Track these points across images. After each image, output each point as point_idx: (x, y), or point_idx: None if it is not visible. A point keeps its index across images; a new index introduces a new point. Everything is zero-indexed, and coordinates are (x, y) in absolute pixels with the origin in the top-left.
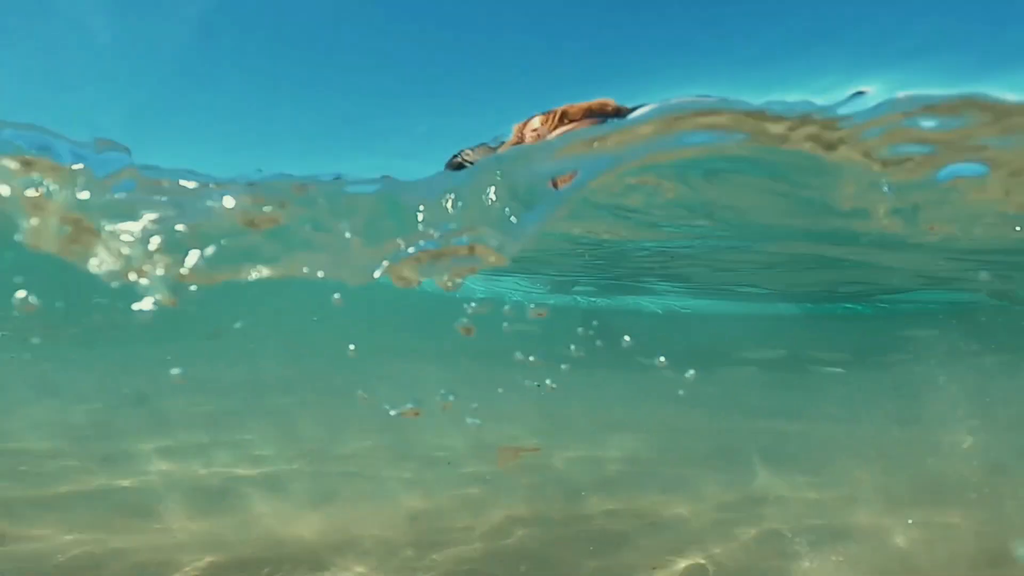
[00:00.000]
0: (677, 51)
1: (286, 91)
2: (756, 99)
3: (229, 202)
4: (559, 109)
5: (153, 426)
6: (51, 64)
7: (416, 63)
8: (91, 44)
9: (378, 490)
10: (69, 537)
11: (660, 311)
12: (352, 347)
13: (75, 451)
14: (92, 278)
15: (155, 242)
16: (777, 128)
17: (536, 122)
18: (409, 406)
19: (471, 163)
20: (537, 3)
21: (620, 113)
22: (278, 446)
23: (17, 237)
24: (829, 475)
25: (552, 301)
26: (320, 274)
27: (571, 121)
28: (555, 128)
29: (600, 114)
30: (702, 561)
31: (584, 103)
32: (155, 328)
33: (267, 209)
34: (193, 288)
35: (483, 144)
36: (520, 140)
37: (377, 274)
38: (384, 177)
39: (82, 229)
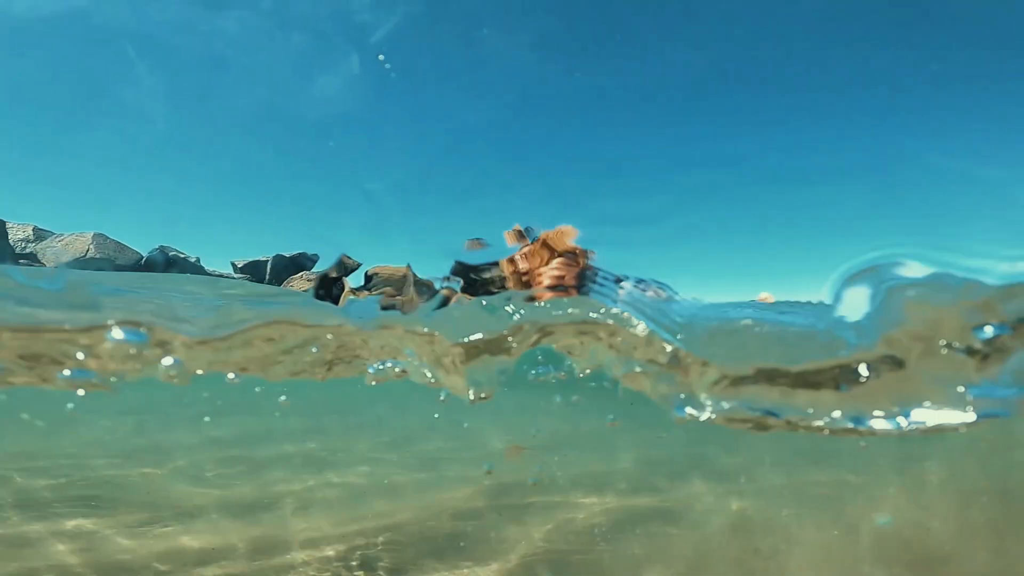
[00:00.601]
0: None
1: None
2: None
3: None
4: (540, 237)
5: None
6: (117, 147)
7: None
8: (151, 131)
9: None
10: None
11: None
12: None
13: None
14: None
15: None
16: None
17: (513, 237)
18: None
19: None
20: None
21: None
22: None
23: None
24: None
25: None
26: None
27: (550, 256)
28: (542, 259)
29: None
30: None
31: (562, 238)
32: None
33: None
34: None
35: (477, 239)
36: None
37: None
38: None
39: None
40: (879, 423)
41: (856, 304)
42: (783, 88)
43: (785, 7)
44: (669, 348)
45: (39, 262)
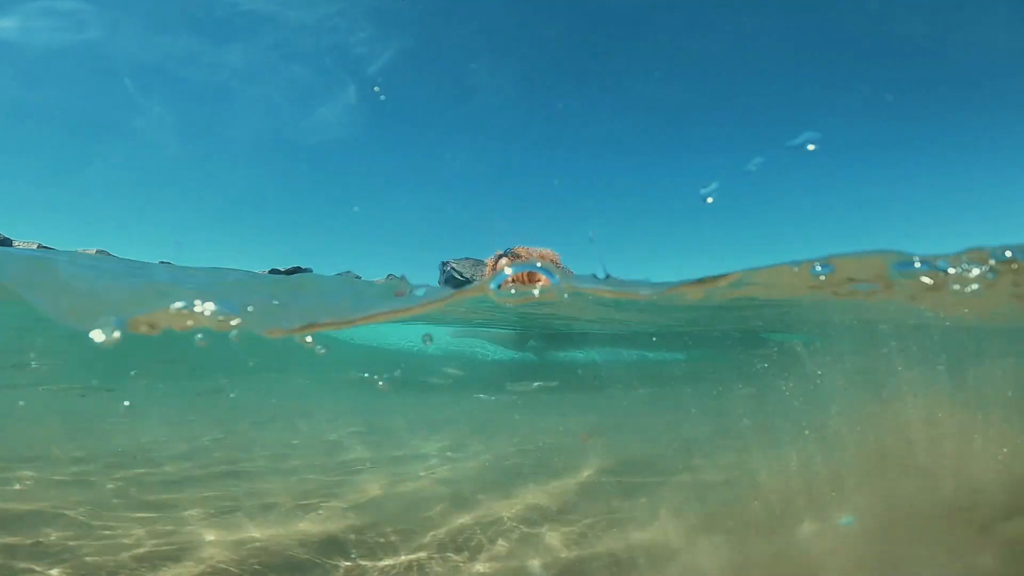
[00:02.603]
0: None
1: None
2: None
3: None
4: (525, 262)
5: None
6: (128, 173)
7: None
8: (161, 156)
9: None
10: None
11: None
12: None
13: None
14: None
15: None
16: None
17: (504, 262)
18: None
19: (460, 272)
20: None
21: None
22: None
23: None
24: None
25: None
26: None
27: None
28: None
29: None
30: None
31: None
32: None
33: None
34: None
35: (468, 258)
36: (493, 267)
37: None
38: None
39: None
40: None
41: None
42: (757, 118)
43: (751, 40)
44: None
45: None
